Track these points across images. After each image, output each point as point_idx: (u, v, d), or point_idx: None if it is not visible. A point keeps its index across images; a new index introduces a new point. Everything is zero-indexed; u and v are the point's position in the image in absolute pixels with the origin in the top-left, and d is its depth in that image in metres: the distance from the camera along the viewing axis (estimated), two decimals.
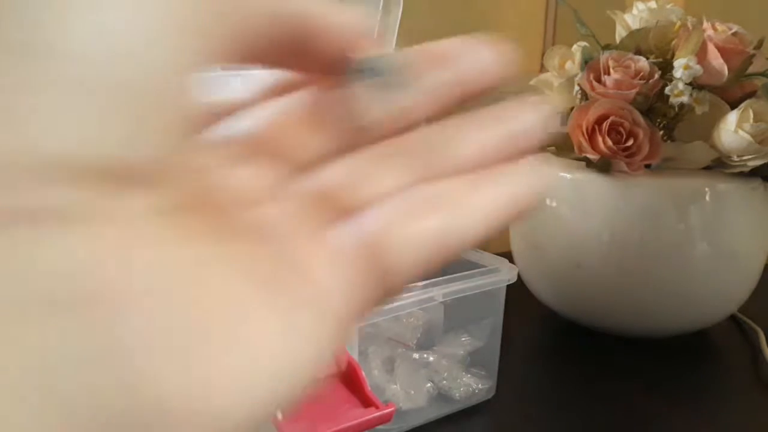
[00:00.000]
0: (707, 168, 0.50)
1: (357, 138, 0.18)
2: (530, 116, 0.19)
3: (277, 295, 0.13)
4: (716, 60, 0.48)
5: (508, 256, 0.47)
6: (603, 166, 0.49)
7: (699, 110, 0.47)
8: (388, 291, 0.16)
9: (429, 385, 0.44)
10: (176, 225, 0.12)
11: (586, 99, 0.50)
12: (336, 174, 0.17)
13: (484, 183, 0.18)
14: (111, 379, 0.11)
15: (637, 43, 0.51)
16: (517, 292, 0.47)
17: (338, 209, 0.16)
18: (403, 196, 0.17)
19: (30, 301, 0.10)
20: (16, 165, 0.10)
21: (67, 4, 0.11)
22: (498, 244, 0.53)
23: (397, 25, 0.61)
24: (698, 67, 0.46)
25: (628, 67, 0.48)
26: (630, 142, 0.47)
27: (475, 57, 0.19)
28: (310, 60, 0.16)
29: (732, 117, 0.47)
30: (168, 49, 0.12)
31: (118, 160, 0.11)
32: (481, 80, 0.19)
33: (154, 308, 0.11)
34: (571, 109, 0.50)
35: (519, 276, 0.45)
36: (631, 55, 0.49)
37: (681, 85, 0.46)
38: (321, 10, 0.16)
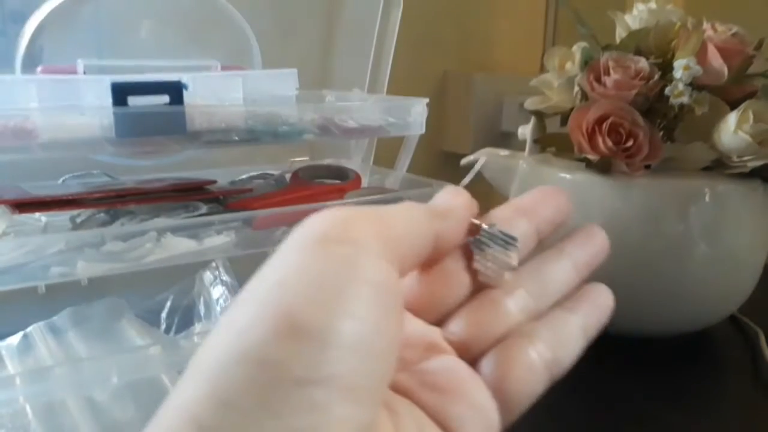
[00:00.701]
0: (707, 169, 0.50)
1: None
2: (595, 244, 0.27)
3: None
4: (716, 60, 0.48)
5: None
6: (603, 167, 0.49)
7: (699, 111, 0.47)
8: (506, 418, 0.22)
9: None
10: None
11: (586, 99, 0.50)
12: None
13: (574, 314, 0.25)
14: None
15: (637, 44, 0.51)
16: None
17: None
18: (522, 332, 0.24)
19: None
20: None
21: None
22: None
23: (398, 25, 0.61)
24: (698, 67, 0.46)
25: (628, 67, 0.48)
26: (630, 143, 0.47)
27: (550, 205, 0.26)
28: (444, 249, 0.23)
29: (732, 118, 0.47)
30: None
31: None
32: (556, 221, 0.26)
33: None
34: (571, 109, 0.50)
35: None
36: (631, 55, 0.49)
37: (681, 86, 0.46)
38: (444, 224, 0.23)
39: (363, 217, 0.19)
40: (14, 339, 0.43)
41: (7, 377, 0.35)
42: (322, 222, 0.19)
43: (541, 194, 0.26)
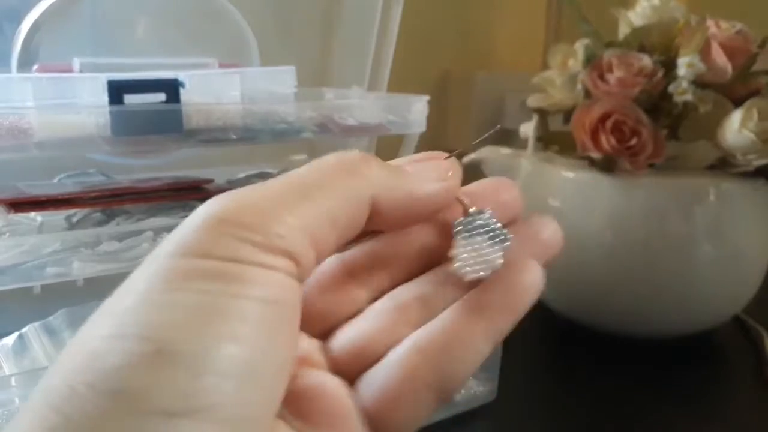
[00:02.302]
0: (711, 167, 0.49)
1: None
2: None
3: None
4: (720, 58, 0.47)
5: None
6: (606, 165, 0.48)
7: (703, 109, 0.47)
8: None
9: None
10: None
11: (589, 97, 0.50)
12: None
13: (478, 319, 0.20)
14: None
15: (640, 41, 0.50)
16: None
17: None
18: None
19: None
20: None
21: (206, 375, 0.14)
22: None
23: (398, 22, 0.60)
24: (702, 65, 0.46)
25: (631, 64, 0.48)
26: (634, 141, 0.46)
27: (502, 197, 0.22)
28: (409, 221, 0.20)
29: (736, 116, 0.46)
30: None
31: None
32: (505, 216, 0.22)
33: None
34: (574, 107, 0.50)
35: None
36: (634, 52, 0.49)
37: (685, 84, 0.46)
38: (416, 185, 0.19)
39: (260, 200, 0.17)
40: (9, 339, 0.43)
41: (3, 378, 0.35)
42: (207, 213, 0.16)
43: (493, 184, 0.22)
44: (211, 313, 0.15)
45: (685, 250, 0.48)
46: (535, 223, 0.22)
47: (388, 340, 0.19)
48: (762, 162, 0.47)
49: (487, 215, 0.20)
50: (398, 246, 0.21)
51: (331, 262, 0.21)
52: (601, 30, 0.53)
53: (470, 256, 0.20)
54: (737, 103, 0.47)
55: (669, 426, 0.43)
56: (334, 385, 0.19)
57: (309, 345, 0.20)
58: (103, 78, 0.41)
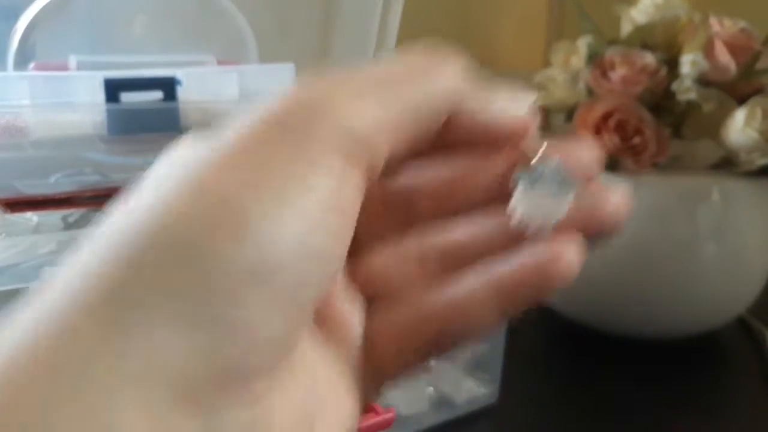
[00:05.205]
0: (715, 166, 0.49)
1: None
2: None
3: None
4: (724, 56, 0.47)
5: None
6: (609, 164, 0.48)
7: (706, 107, 0.46)
8: None
9: (430, 389, 0.43)
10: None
11: (592, 95, 0.50)
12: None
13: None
14: None
15: (643, 39, 0.50)
16: None
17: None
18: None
19: None
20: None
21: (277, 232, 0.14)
22: None
23: (399, 19, 0.60)
24: (705, 63, 0.45)
25: (634, 62, 0.48)
26: (636, 140, 0.46)
27: (585, 154, 0.19)
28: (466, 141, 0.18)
29: (740, 114, 0.46)
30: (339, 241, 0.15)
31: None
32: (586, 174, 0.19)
33: None
34: (576, 105, 0.49)
35: None
36: (637, 50, 0.48)
37: (688, 82, 0.45)
38: (480, 96, 0.18)
39: (346, 90, 0.16)
40: None
41: None
42: (286, 102, 0.15)
43: (578, 141, 0.20)
44: (280, 187, 0.14)
45: (688, 250, 0.48)
46: (600, 191, 0.19)
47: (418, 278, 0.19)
48: (766, 161, 0.46)
49: (554, 163, 0.18)
50: (459, 171, 0.19)
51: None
52: (604, 27, 0.52)
53: (532, 209, 0.18)
54: (741, 101, 0.47)
55: (672, 426, 0.43)
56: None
57: None
58: (100, 76, 0.41)
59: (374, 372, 0.18)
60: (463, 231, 0.19)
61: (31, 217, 0.47)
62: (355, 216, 0.16)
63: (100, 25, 0.54)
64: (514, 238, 0.18)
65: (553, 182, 0.18)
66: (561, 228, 0.18)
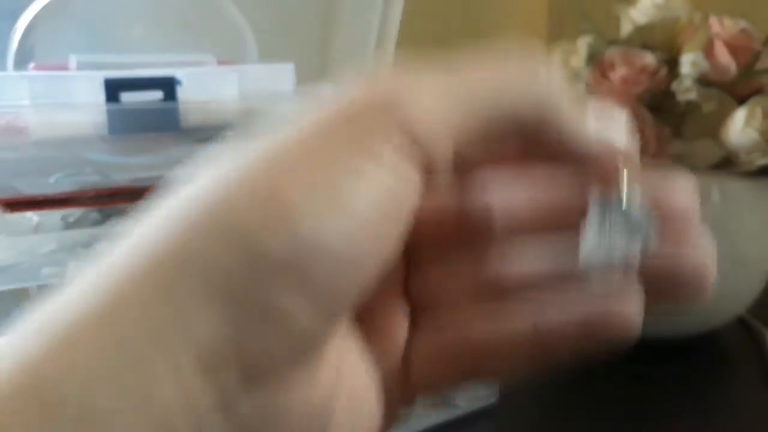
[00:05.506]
0: (715, 166, 0.49)
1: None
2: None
3: None
4: (724, 56, 0.47)
5: None
6: None
7: (706, 107, 0.46)
8: None
9: None
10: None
11: (592, 95, 0.50)
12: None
13: None
14: None
15: (643, 39, 0.50)
16: None
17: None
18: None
19: None
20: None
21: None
22: None
23: (399, 18, 0.60)
24: (705, 63, 0.45)
25: (633, 62, 0.48)
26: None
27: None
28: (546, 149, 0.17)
29: (740, 114, 0.46)
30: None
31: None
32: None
33: None
34: None
35: None
36: (637, 50, 0.48)
37: (688, 82, 0.46)
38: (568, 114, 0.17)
39: (423, 87, 0.15)
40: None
41: None
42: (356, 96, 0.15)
43: (678, 178, 0.19)
44: (332, 181, 0.14)
45: None
46: (688, 242, 0.17)
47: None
48: (766, 161, 0.46)
49: (637, 197, 0.16)
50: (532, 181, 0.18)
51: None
52: (604, 27, 0.52)
53: (600, 241, 0.16)
54: (741, 101, 0.47)
55: (672, 426, 0.43)
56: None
57: None
58: (100, 76, 0.41)
59: (405, 388, 0.18)
60: (527, 261, 0.18)
61: (31, 217, 0.47)
62: (408, 220, 0.16)
63: (100, 25, 0.54)
64: (579, 275, 0.17)
65: (630, 219, 0.16)
66: (630, 273, 0.16)
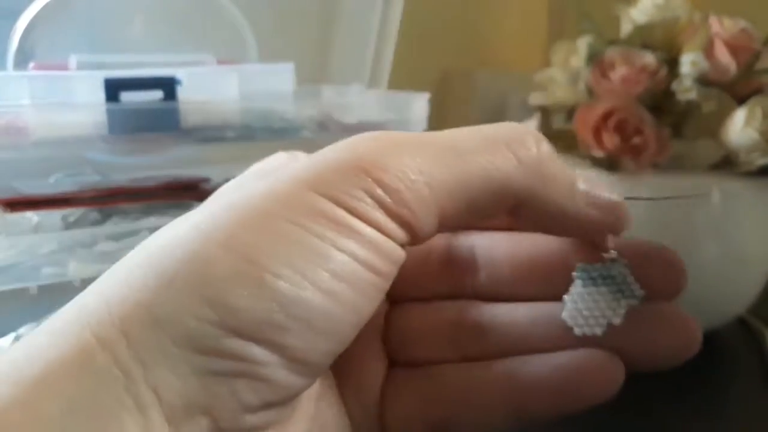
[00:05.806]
0: (715, 166, 0.49)
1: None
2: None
3: None
4: (724, 56, 0.47)
5: None
6: (609, 164, 0.48)
7: (706, 107, 0.46)
8: None
9: None
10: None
11: (592, 95, 0.50)
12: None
13: None
14: None
15: (643, 39, 0.50)
16: None
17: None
18: None
19: None
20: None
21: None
22: None
23: (399, 18, 0.60)
24: (706, 63, 0.45)
25: (633, 62, 0.48)
26: (637, 140, 0.46)
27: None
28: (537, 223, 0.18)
29: (740, 114, 0.46)
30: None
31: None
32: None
33: None
34: (576, 105, 0.49)
35: None
36: (637, 50, 0.48)
37: (688, 82, 0.45)
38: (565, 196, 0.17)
39: (404, 158, 0.15)
40: (5, 341, 0.43)
41: None
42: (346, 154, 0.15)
43: (655, 249, 0.20)
44: (308, 257, 0.14)
45: (688, 250, 0.48)
46: (671, 317, 0.18)
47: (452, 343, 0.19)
48: (766, 161, 0.46)
49: (620, 268, 0.17)
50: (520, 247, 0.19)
51: (443, 240, 0.19)
52: (604, 27, 0.52)
53: (582, 304, 0.17)
54: (741, 101, 0.47)
55: (671, 426, 0.43)
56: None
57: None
58: (100, 76, 0.41)
59: None
60: (508, 313, 0.19)
61: (31, 217, 0.47)
62: (386, 282, 0.16)
63: (100, 25, 0.54)
64: (559, 335, 0.18)
65: (613, 288, 0.17)
66: (611, 341, 0.17)
